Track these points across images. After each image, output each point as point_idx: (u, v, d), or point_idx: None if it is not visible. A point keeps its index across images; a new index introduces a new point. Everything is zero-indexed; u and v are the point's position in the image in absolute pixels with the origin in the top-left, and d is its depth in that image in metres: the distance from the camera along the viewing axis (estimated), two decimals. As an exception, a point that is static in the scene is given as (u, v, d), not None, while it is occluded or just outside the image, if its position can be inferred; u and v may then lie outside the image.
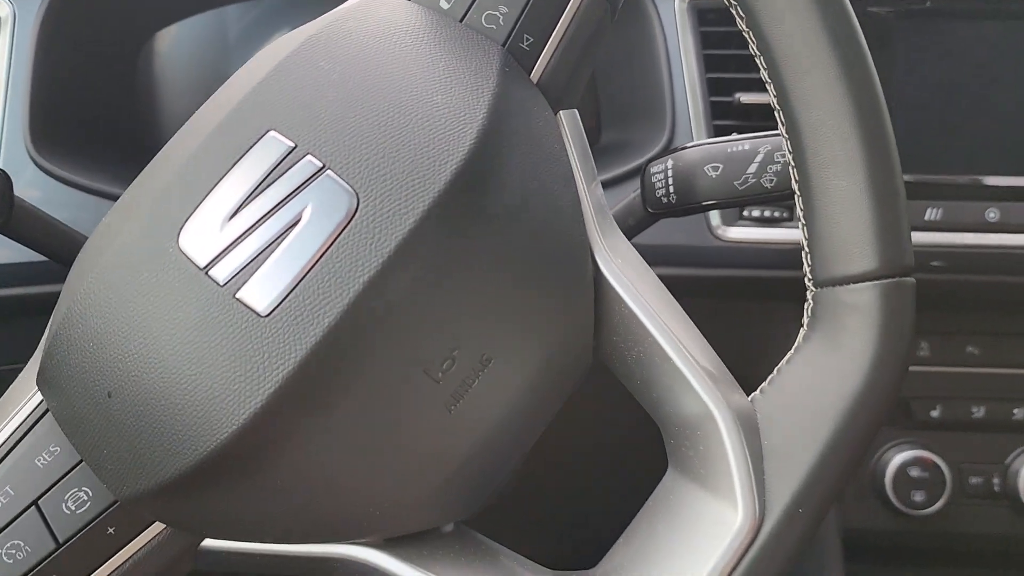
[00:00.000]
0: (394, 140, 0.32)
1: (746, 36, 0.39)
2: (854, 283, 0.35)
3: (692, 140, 0.72)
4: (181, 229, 0.32)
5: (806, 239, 0.37)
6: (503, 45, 0.37)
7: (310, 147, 0.32)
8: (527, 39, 0.37)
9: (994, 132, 0.72)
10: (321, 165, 0.32)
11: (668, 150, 0.54)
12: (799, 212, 0.38)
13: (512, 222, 0.34)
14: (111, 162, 0.73)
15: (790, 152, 0.38)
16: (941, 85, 0.72)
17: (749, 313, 0.78)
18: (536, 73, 0.38)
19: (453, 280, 0.32)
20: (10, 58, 0.67)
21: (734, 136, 0.53)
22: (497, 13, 0.37)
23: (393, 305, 0.31)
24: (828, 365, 0.35)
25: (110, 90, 0.77)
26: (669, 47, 0.73)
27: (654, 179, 0.53)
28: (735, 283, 0.73)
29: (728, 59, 0.73)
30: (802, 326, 0.37)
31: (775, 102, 0.38)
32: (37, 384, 0.34)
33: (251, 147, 0.33)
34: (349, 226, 0.31)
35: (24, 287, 0.66)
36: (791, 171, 0.38)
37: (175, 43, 0.81)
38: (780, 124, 0.38)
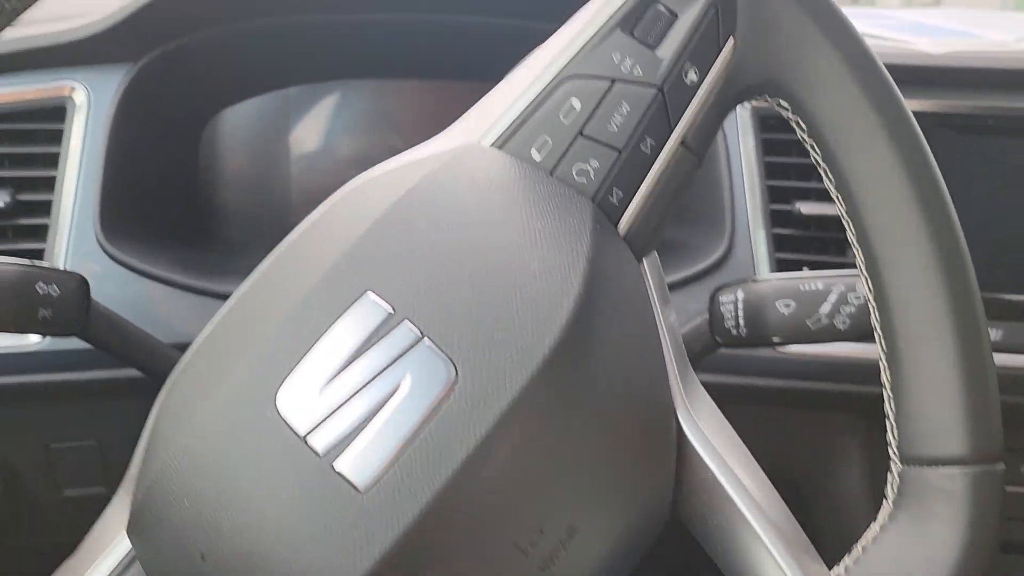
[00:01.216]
0: (492, 310, 0.33)
1: (835, 198, 0.39)
2: (943, 466, 0.35)
3: (751, 247, 0.72)
4: (279, 389, 0.32)
5: (892, 411, 0.37)
6: (592, 200, 0.37)
7: (408, 312, 0.32)
8: (616, 193, 0.38)
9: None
10: (419, 333, 0.32)
11: (738, 280, 0.54)
12: (884, 378, 0.38)
13: (605, 392, 0.34)
14: (174, 246, 0.74)
15: (877, 320, 0.38)
16: (1000, 202, 0.72)
17: (802, 422, 0.77)
18: (624, 226, 0.38)
19: (547, 454, 0.32)
20: (83, 145, 0.69)
21: (806, 273, 0.53)
22: (588, 167, 0.38)
23: (489, 481, 0.31)
24: (917, 551, 0.35)
25: (174, 172, 0.78)
26: (731, 152, 0.74)
27: (723, 309, 0.53)
28: (790, 393, 0.73)
29: (789, 167, 0.74)
30: (885, 498, 0.37)
31: (859, 256, 0.38)
32: (128, 532, 0.34)
33: (349, 307, 0.33)
34: (447, 400, 0.31)
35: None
36: (877, 333, 0.38)
37: (237, 123, 0.83)
38: (864, 279, 0.38)
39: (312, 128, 0.85)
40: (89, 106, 0.69)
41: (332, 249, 0.35)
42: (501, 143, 0.38)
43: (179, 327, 0.67)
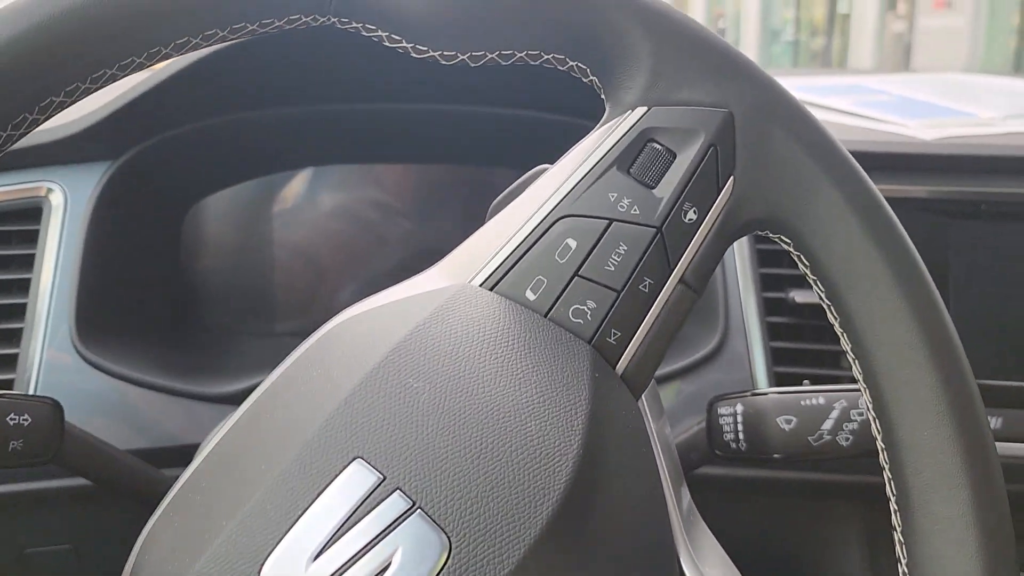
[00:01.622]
0: (487, 476, 0.31)
1: (839, 335, 0.38)
2: None
3: (746, 337, 0.71)
4: (265, 561, 0.30)
5: (904, 556, 0.36)
6: (589, 342, 0.36)
7: (399, 480, 0.31)
8: (614, 334, 0.37)
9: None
10: (411, 503, 0.30)
11: (737, 393, 0.53)
12: (895, 521, 0.36)
13: (606, 555, 0.32)
14: (154, 343, 0.72)
15: (887, 466, 0.36)
16: (997, 287, 0.71)
17: (802, 510, 0.75)
18: (622, 366, 0.37)
19: None
20: (59, 246, 0.67)
21: (807, 388, 0.51)
22: (585, 308, 0.37)
23: None
24: None
25: (154, 265, 0.76)
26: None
27: (722, 421, 0.51)
28: (789, 483, 0.71)
29: (781, 254, 0.73)
30: None
31: (866, 395, 0.37)
32: None
33: (337, 476, 0.31)
34: (441, 575, 0.29)
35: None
36: (886, 474, 0.37)
37: (219, 210, 0.81)
38: (872, 418, 0.37)
39: (296, 212, 0.83)
40: (66, 206, 0.68)
41: (319, 405, 0.33)
42: (494, 283, 0.37)
43: (160, 432, 0.65)
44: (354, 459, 0.31)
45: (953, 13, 12.16)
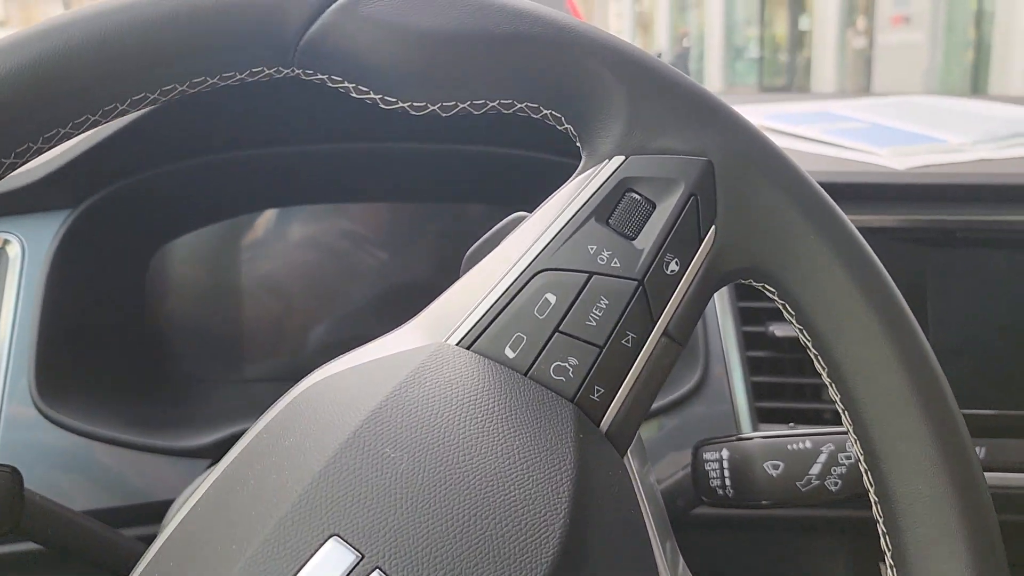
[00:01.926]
0: (470, 551, 0.29)
1: (828, 385, 0.38)
2: None
3: (727, 372, 0.70)
4: None
5: None
6: (572, 399, 0.35)
7: (378, 559, 0.29)
8: (597, 390, 0.35)
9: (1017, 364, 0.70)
10: None
11: (723, 437, 0.51)
12: (884, 544, 0.36)
13: None
14: (119, 396, 0.70)
15: (881, 520, 0.35)
16: (975, 315, 0.70)
17: (787, 545, 0.74)
18: (606, 423, 0.36)
19: None
20: (17, 299, 0.65)
21: (794, 431, 0.50)
22: (566, 365, 0.35)
23: None
24: None
25: (118, 315, 0.74)
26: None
27: (708, 467, 0.50)
28: (776, 520, 0.70)
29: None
30: None
31: (857, 447, 0.37)
32: None
33: (312, 556, 0.29)
34: None
35: None
36: (879, 522, 0.36)
37: (184, 255, 0.79)
38: (864, 471, 0.36)
39: (264, 250, 0.82)
40: (24, 258, 0.65)
41: (292, 479, 0.31)
42: (471, 341, 0.36)
43: (127, 489, 0.63)
44: (330, 537, 0.29)
45: (911, 28, 12.38)
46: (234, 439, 0.66)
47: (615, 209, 0.37)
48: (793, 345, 0.70)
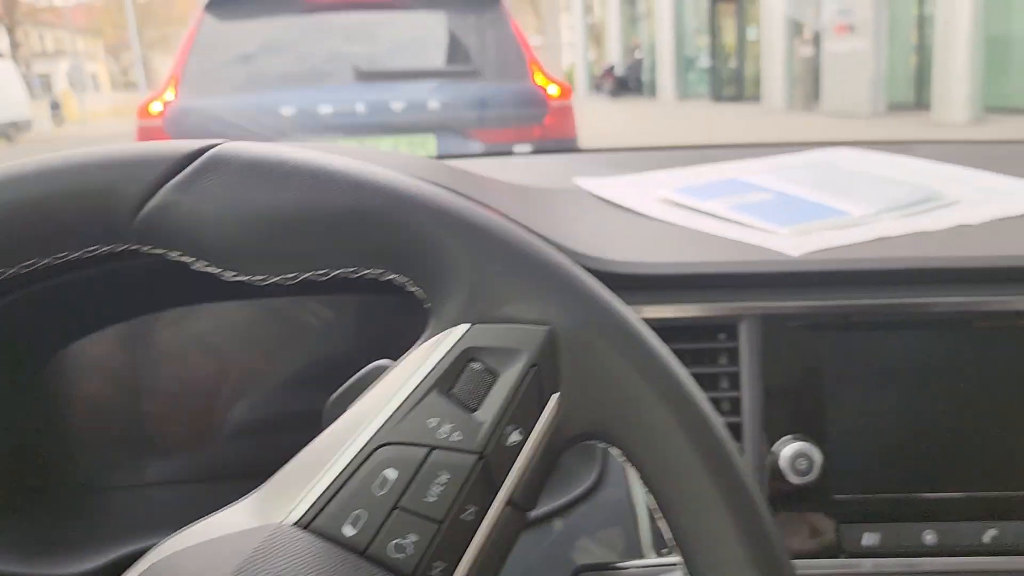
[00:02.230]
0: None
1: (672, 548, 0.39)
2: None
3: (624, 472, 0.69)
4: None
5: None
6: None
7: None
8: (437, 567, 0.35)
9: (929, 446, 0.70)
10: None
11: (602, 565, 0.51)
12: None
13: None
14: (6, 521, 0.68)
15: None
16: (872, 398, 0.70)
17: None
18: None
19: None
20: None
21: (666, 560, 0.50)
22: (406, 542, 0.35)
23: None
24: None
25: (4, 433, 0.72)
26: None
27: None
28: None
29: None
30: None
31: None
32: None
33: None
34: None
35: None
36: None
37: (76, 362, 0.77)
38: None
39: (163, 352, 0.80)
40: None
41: None
42: (310, 520, 0.35)
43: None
44: None
45: (856, 36, 12.62)
46: (126, 560, 0.65)
47: (458, 379, 0.37)
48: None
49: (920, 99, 12.00)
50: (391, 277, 0.39)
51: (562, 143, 3.81)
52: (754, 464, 0.69)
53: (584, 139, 4.03)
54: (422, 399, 0.37)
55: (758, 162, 1.06)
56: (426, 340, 0.38)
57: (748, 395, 0.70)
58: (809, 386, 0.70)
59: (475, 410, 0.37)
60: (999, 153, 1.27)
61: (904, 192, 0.89)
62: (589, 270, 0.71)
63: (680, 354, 0.70)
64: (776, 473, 0.69)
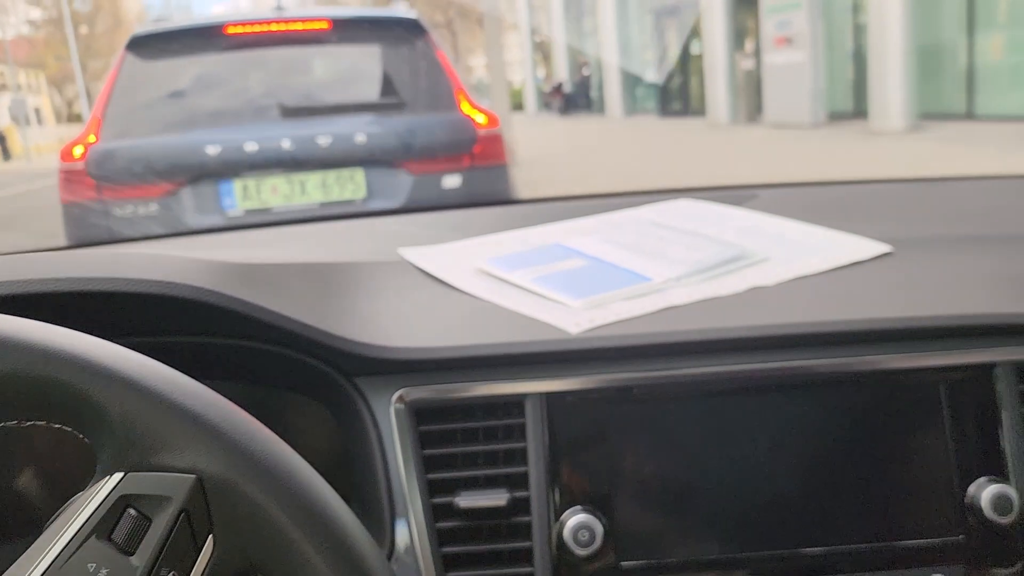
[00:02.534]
0: None
1: None
2: None
3: (415, 546, 0.71)
4: None
5: None
6: None
7: None
8: None
9: (713, 509, 0.73)
10: None
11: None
12: None
13: None
14: None
15: None
16: (661, 468, 0.73)
17: None
18: None
19: None
20: None
21: None
22: None
23: None
24: None
25: None
26: (386, 450, 0.73)
27: None
28: None
29: (453, 457, 0.73)
30: None
31: None
32: None
33: None
34: None
35: None
36: None
37: None
38: None
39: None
40: None
41: None
42: None
43: None
44: None
45: (794, 49, 12.83)
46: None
47: (116, 526, 0.39)
48: (486, 514, 0.72)
49: (858, 108, 12.22)
50: (56, 427, 0.41)
51: (492, 171, 3.83)
52: (541, 538, 0.71)
53: (532, 157, 4.06)
54: (82, 544, 0.38)
55: (593, 220, 1.09)
56: (91, 485, 0.40)
57: (534, 470, 0.72)
58: (593, 458, 0.73)
59: (132, 554, 0.39)
60: (838, 195, 1.31)
61: (713, 252, 0.93)
62: (371, 359, 0.74)
63: (472, 432, 0.73)
64: (562, 545, 0.71)
